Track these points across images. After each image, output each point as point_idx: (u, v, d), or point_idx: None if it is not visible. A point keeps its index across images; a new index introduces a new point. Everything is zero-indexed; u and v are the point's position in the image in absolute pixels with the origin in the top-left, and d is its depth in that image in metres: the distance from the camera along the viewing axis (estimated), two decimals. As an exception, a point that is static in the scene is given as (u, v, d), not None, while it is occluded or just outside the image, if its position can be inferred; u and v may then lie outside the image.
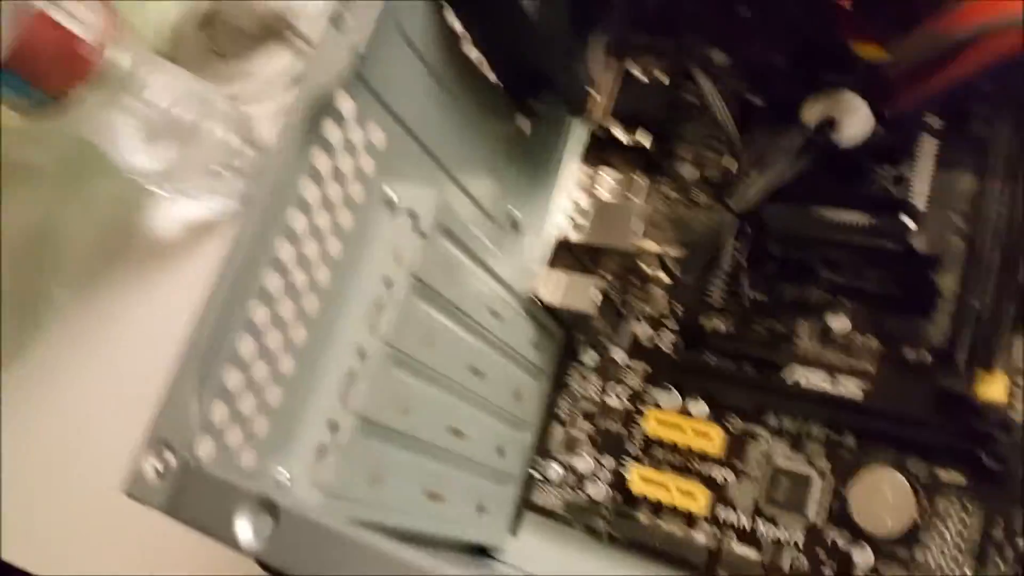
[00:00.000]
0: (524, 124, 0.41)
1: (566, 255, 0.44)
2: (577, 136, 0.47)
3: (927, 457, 0.38)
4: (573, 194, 0.46)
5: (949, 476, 0.37)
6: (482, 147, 0.39)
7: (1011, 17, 0.27)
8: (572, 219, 0.45)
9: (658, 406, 0.42)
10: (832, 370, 0.41)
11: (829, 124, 0.38)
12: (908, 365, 0.39)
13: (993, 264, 0.37)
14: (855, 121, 0.38)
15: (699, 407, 0.42)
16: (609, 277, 0.45)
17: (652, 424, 0.42)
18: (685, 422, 0.41)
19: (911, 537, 0.37)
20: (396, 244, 0.31)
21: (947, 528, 0.37)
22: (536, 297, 0.43)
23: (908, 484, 0.37)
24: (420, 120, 0.34)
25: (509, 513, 0.43)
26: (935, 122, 0.38)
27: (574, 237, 0.45)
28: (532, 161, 0.43)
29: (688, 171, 0.47)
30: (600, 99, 0.46)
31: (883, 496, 0.38)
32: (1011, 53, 0.28)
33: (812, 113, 0.39)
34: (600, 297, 0.43)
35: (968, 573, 0.36)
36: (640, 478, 0.41)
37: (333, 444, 0.30)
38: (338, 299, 0.31)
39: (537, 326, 0.43)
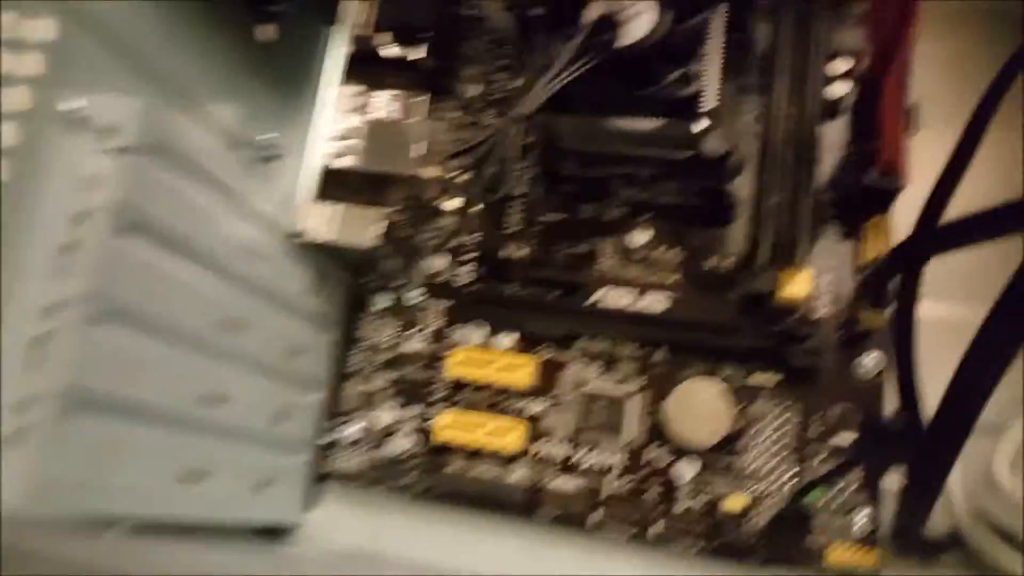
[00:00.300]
0: (266, 32, 0.35)
1: (339, 185, 0.39)
2: (342, 50, 0.41)
3: (739, 362, 0.36)
4: (343, 116, 0.40)
5: (762, 379, 0.36)
6: (214, 57, 0.33)
7: None
8: (344, 144, 0.40)
9: (462, 345, 0.38)
10: (638, 287, 0.38)
11: (610, 23, 0.35)
12: (712, 273, 0.37)
13: (787, 162, 0.35)
14: (636, 18, 0.35)
15: (506, 340, 0.38)
16: (393, 208, 0.40)
17: (457, 365, 0.38)
18: (492, 358, 0.37)
19: (731, 444, 0.35)
20: (87, 168, 0.25)
21: (766, 430, 0.35)
22: (304, 234, 0.37)
23: (723, 392, 0.35)
24: (119, 13, 0.28)
25: (303, 485, 0.38)
26: (720, 22, 0.36)
27: (347, 164, 0.40)
28: (286, 78, 0.37)
29: (472, 89, 0.43)
30: (360, 6, 0.41)
31: (699, 407, 0.35)
32: None
33: (593, 12, 0.36)
34: (382, 230, 0.38)
35: (789, 471, 0.35)
36: (450, 424, 0.37)
37: (34, 424, 0.24)
38: (13, 242, 0.24)
39: (316, 269, 0.38)
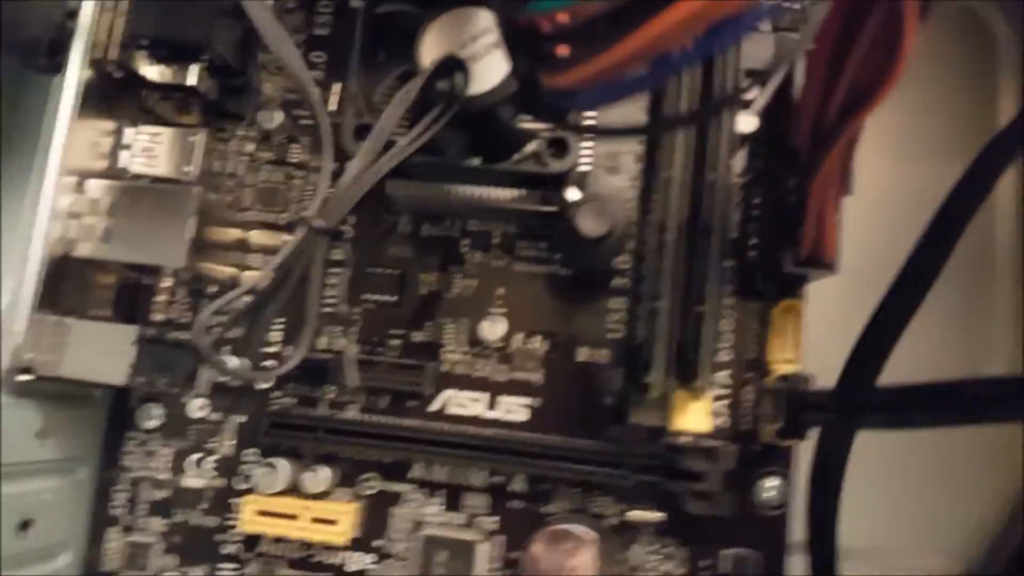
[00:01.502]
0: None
1: (73, 288, 0.28)
2: (73, 82, 0.28)
3: (615, 497, 0.29)
4: (77, 180, 0.28)
5: (642, 516, 0.29)
6: None
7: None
8: (80, 224, 0.28)
9: (258, 488, 0.29)
10: (490, 389, 0.30)
11: (457, 65, 0.25)
12: (585, 376, 0.29)
13: (680, 247, 0.26)
14: (490, 65, 0.25)
15: (318, 475, 0.29)
16: (159, 296, 0.30)
17: (253, 518, 0.28)
18: (299, 506, 0.28)
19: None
20: None
21: (646, 580, 0.29)
22: (20, 370, 0.26)
23: (594, 535, 0.28)
24: None
25: None
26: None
27: (86, 254, 0.28)
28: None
29: (269, 118, 0.31)
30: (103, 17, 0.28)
31: (565, 556, 0.28)
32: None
33: (432, 47, 0.26)
34: (134, 356, 0.27)
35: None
36: (238, 600, 0.28)
37: None
38: None
39: (50, 404, 0.27)
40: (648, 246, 0.26)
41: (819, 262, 0.27)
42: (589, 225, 0.27)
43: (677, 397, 0.26)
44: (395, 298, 0.30)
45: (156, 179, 0.29)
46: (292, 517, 0.28)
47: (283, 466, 0.29)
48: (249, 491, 0.29)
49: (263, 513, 0.28)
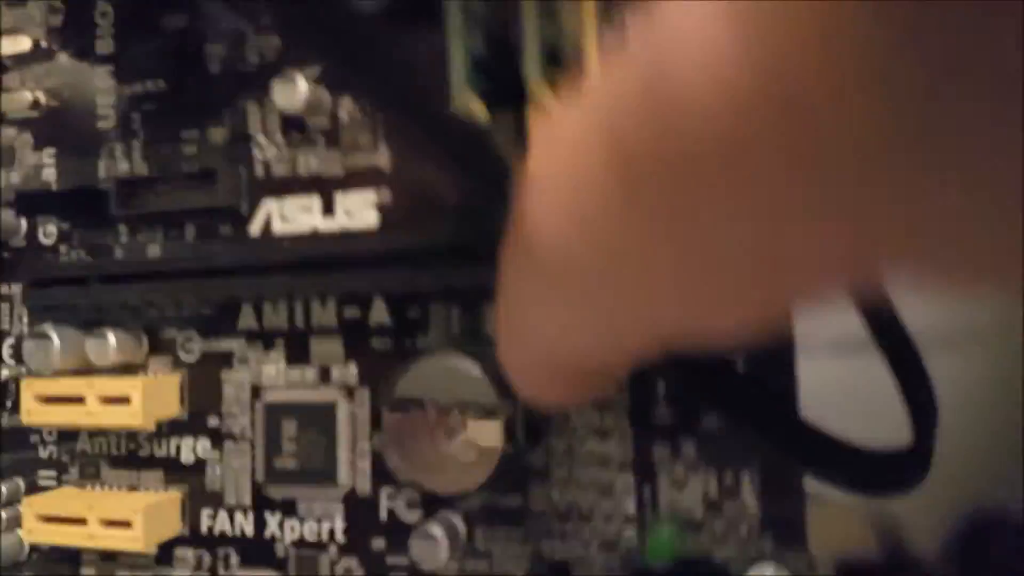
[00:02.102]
0: None
1: None
2: None
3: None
4: None
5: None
6: None
7: None
8: None
9: (38, 368, 0.22)
10: (322, 187, 0.20)
11: None
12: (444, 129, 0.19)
13: None
14: None
15: (106, 342, 0.21)
16: None
17: (35, 408, 0.21)
18: (82, 385, 0.21)
19: (508, 469, 0.19)
20: None
21: (582, 432, 0.19)
22: None
23: (488, 379, 0.19)
24: None
25: None
26: None
27: None
28: None
29: None
30: None
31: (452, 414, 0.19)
32: None
33: None
34: None
35: (627, 502, 0.19)
36: (45, 513, 0.21)
37: None
38: None
39: None
40: None
41: None
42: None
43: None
44: (173, 83, 0.21)
45: None
46: (77, 400, 0.21)
47: (61, 336, 0.21)
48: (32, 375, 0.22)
49: (46, 399, 0.21)
